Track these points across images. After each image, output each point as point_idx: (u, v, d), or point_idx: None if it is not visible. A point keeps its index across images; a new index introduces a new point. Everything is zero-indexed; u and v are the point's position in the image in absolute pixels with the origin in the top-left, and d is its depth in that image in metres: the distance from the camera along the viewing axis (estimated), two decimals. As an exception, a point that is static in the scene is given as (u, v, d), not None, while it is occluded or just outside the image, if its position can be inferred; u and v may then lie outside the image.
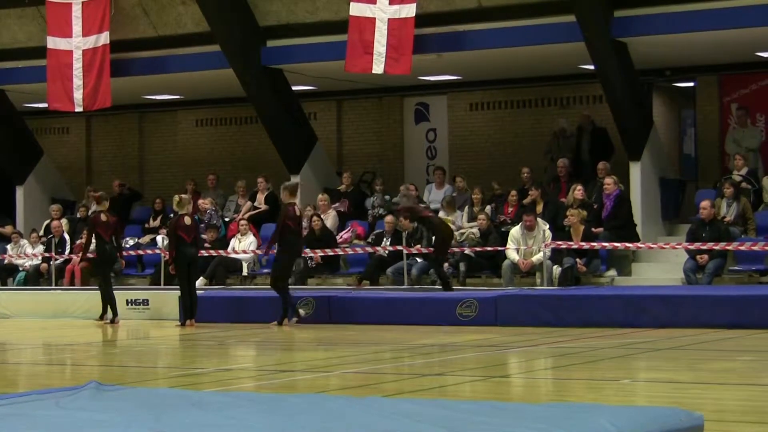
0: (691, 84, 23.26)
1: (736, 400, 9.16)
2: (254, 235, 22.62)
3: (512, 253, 19.53)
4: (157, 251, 22.51)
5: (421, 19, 20.80)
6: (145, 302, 20.13)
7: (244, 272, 22.29)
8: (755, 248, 18.36)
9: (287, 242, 17.67)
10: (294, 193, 18.04)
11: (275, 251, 17.89)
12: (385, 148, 25.74)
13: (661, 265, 20.18)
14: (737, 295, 16.18)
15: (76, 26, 23.58)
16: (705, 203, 19.22)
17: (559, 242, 19.22)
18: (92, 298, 20.35)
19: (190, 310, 18.17)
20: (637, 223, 20.39)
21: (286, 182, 18.89)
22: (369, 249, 21.21)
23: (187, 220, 18.08)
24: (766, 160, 21.41)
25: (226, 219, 24.02)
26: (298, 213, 17.95)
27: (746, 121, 21.95)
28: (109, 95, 23.62)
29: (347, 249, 21.57)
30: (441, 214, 21.75)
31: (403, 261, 20.46)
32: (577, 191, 20.40)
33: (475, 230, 20.78)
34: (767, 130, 22.22)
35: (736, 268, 19.21)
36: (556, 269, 19.34)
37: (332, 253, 21.36)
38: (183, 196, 19.01)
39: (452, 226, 21.16)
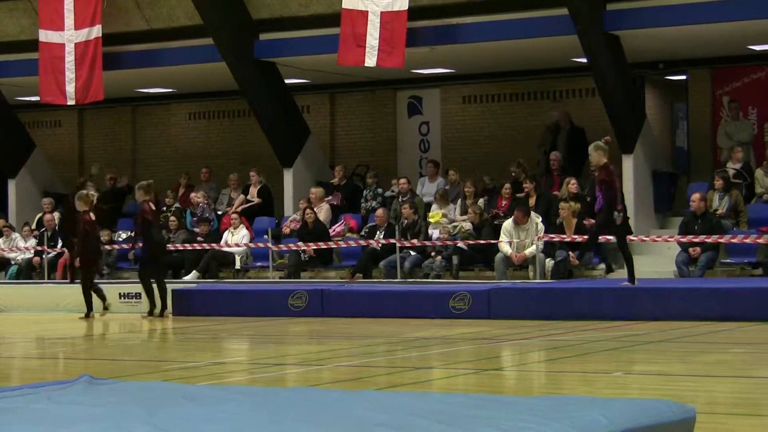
0: (684, 77, 23.28)
1: (727, 393, 9.18)
2: (247, 228, 22.62)
3: (505, 246, 19.54)
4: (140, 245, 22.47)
5: (413, 12, 20.79)
6: (138, 296, 20.11)
7: (237, 265, 22.29)
8: (747, 241, 18.39)
9: (149, 237, 18.53)
10: (148, 191, 18.92)
11: (140, 245, 18.95)
12: (378, 141, 25.74)
13: (654, 257, 20.21)
14: (729, 288, 16.21)
15: (69, 19, 23.54)
16: (695, 196, 19.26)
17: (552, 235, 19.24)
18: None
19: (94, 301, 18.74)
20: (630, 216, 20.40)
21: (140, 182, 19.55)
22: (362, 242, 21.23)
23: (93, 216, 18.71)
24: (757, 153, 21.44)
25: (219, 212, 24.02)
26: (154, 208, 18.95)
27: (738, 115, 21.98)
28: (101, 88, 23.60)
29: (340, 242, 21.58)
30: (433, 207, 21.79)
31: (396, 254, 20.48)
32: (571, 184, 20.42)
33: (467, 223, 20.79)
34: (759, 124, 22.25)
35: (728, 260, 19.25)
36: (549, 262, 19.37)
37: (325, 247, 21.36)
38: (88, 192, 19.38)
39: (444, 219, 21.22)
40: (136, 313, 19.64)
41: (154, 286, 18.64)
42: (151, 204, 18.87)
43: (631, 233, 17.85)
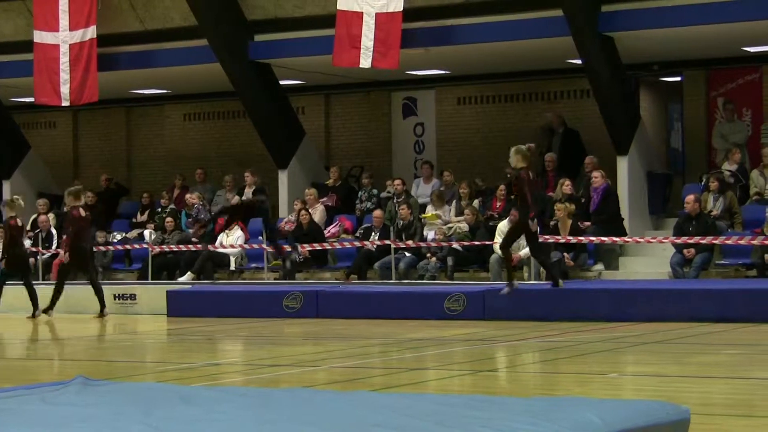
0: (678, 78, 23.30)
1: (722, 394, 9.19)
2: (242, 229, 22.59)
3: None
4: (145, 246, 22.49)
5: (408, 14, 20.80)
6: (133, 297, 20.11)
7: (232, 267, 22.28)
8: (741, 242, 18.40)
9: (77, 240, 18.66)
10: (78, 196, 19.10)
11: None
12: (373, 142, 25.74)
13: (648, 259, 20.22)
14: (724, 289, 16.23)
15: (63, 20, 23.52)
16: (689, 197, 19.27)
17: (547, 236, 19.24)
18: (80, 292, 20.33)
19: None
20: (624, 217, 20.44)
21: (70, 188, 19.81)
22: (357, 243, 21.23)
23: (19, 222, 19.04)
24: (752, 154, 21.45)
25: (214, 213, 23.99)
26: (83, 214, 18.95)
27: (733, 116, 22.00)
28: (96, 89, 23.58)
29: (335, 243, 21.58)
30: (429, 208, 21.80)
31: (391, 255, 20.48)
32: (565, 186, 20.42)
33: (463, 224, 20.79)
34: (753, 125, 22.27)
35: (722, 262, 19.25)
36: (544, 263, 19.35)
37: (320, 248, 21.35)
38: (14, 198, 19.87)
39: (439, 221, 21.22)
40: (131, 315, 19.66)
41: (94, 287, 18.90)
42: (80, 210, 18.96)
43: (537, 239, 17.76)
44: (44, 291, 19.56)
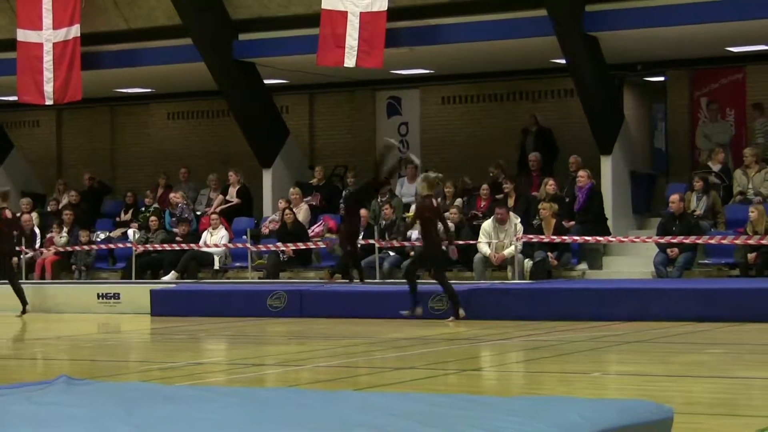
0: (662, 78, 23.35)
1: (705, 393, 9.21)
2: (226, 228, 22.58)
3: (484, 247, 19.55)
4: (129, 245, 22.46)
5: (393, 13, 20.80)
6: (116, 296, 20.08)
7: (216, 266, 22.25)
8: (725, 242, 18.45)
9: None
10: (5, 198, 19.32)
11: None
12: (358, 141, 25.72)
13: (632, 258, 20.26)
14: (707, 289, 16.27)
15: (47, 19, 23.46)
16: (674, 197, 19.32)
17: (531, 236, 19.27)
18: (63, 292, 20.34)
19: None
20: (608, 216, 20.46)
21: None
22: (341, 243, 21.20)
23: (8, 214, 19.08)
24: (735, 154, 21.51)
25: (198, 213, 23.97)
26: (10, 216, 19.35)
27: (717, 116, 22.05)
28: (79, 88, 23.52)
29: (319, 243, 21.57)
30: (413, 207, 21.78)
31: (375, 255, 20.47)
32: (549, 185, 20.45)
33: (451, 224, 20.73)
34: (737, 125, 22.33)
35: (706, 261, 19.30)
36: (528, 263, 19.38)
37: (304, 247, 21.34)
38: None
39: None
40: (116, 314, 19.63)
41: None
42: (7, 212, 19.17)
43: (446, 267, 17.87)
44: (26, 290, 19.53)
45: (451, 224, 20.72)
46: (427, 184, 16.54)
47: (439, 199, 16.72)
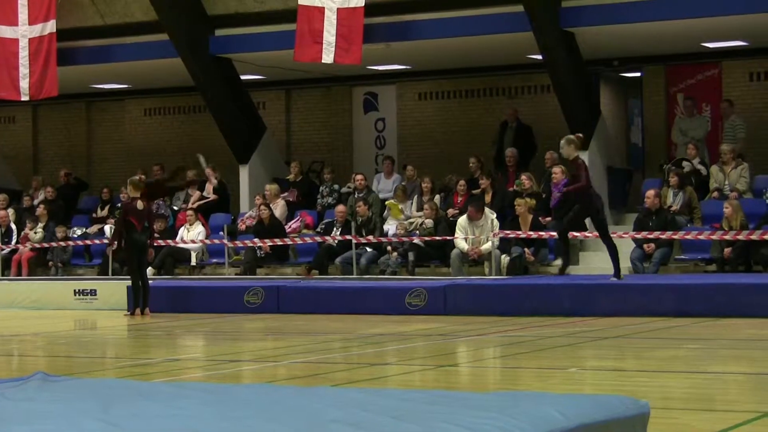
0: (638, 74, 23.42)
1: (681, 388, 9.24)
2: (203, 224, 22.55)
3: (461, 242, 19.57)
4: (105, 241, 22.41)
5: (369, 9, 20.80)
6: (93, 292, 20.02)
7: (193, 262, 22.22)
8: (701, 237, 18.52)
9: None
10: None
11: None
12: (334, 137, 25.72)
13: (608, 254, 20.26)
14: (683, 284, 16.32)
15: (22, 14, 23.37)
16: (650, 192, 19.38)
17: (507, 231, 19.29)
18: (39, 288, 20.23)
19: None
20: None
21: None
22: (318, 238, 21.21)
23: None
24: (711, 149, 21.59)
25: (175, 208, 23.93)
26: None
27: (693, 111, 22.13)
28: (55, 84, 23.45)
29: (296, 238, 21.55)
30: (392, 202, 21.80)
31: (352, 250, 20.47)
32: (525, 180, 20.47)
33: (428, 220, 20.71)
34: (713, 120, 22.40)
35: (682, 257, 19.38)
36: (505, 258, 19.42)
37: (281, 243, 21.32)
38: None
39: (401, 215, 21.24)
40: (92, 310, 19.57)
41: None
42: None
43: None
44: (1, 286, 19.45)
45: (430, 221, 20.78)
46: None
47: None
